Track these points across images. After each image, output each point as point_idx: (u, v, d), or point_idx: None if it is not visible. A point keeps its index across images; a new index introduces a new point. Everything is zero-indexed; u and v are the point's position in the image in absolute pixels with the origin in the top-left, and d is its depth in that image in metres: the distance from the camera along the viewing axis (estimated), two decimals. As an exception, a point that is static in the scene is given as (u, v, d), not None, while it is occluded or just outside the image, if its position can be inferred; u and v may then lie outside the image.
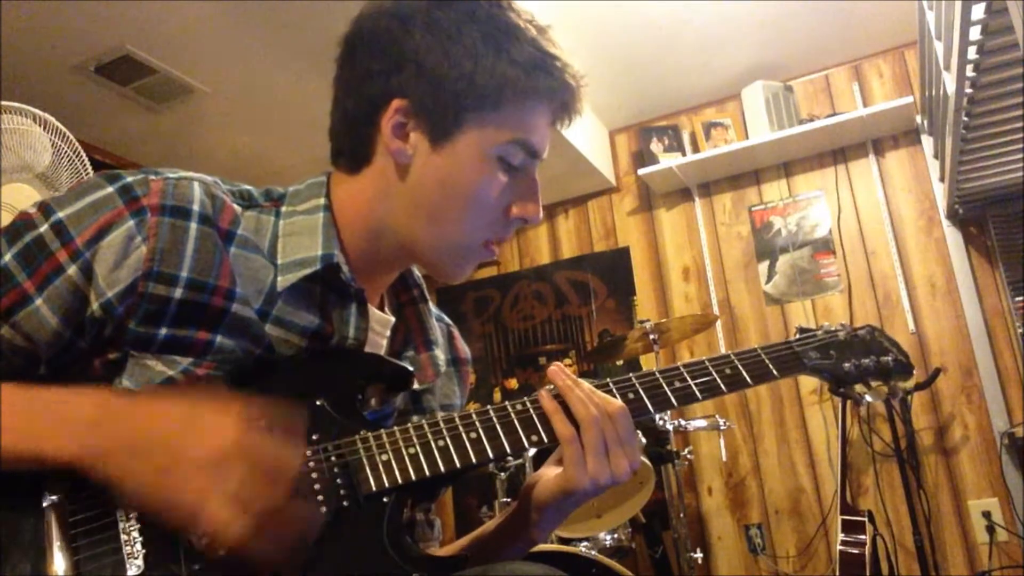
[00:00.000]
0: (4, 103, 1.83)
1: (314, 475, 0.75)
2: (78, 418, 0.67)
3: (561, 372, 0.84)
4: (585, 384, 0.84)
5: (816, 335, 0.98)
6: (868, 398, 0.97)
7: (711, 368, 0.90)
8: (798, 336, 0.98)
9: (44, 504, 0.67)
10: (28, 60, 2.43)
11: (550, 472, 0.87)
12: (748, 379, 0.90)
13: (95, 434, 0.66)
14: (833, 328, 0.99)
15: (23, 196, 1.85)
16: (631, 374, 0.88)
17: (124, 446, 0.66)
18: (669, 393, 0.87)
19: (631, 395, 0.86)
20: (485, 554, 0.94)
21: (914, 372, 0.99)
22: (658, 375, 0.88)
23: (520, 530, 0.91)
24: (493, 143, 0.81)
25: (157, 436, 0.66)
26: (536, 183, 0.86)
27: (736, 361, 0.91)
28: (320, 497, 0.74)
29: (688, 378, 0.89)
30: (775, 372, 0.92)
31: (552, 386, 0.84)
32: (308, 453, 0.76)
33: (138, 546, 0.67)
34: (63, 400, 0.69)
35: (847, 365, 0.96)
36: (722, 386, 0.89)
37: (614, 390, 0.86)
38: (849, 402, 2.91)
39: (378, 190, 0.84)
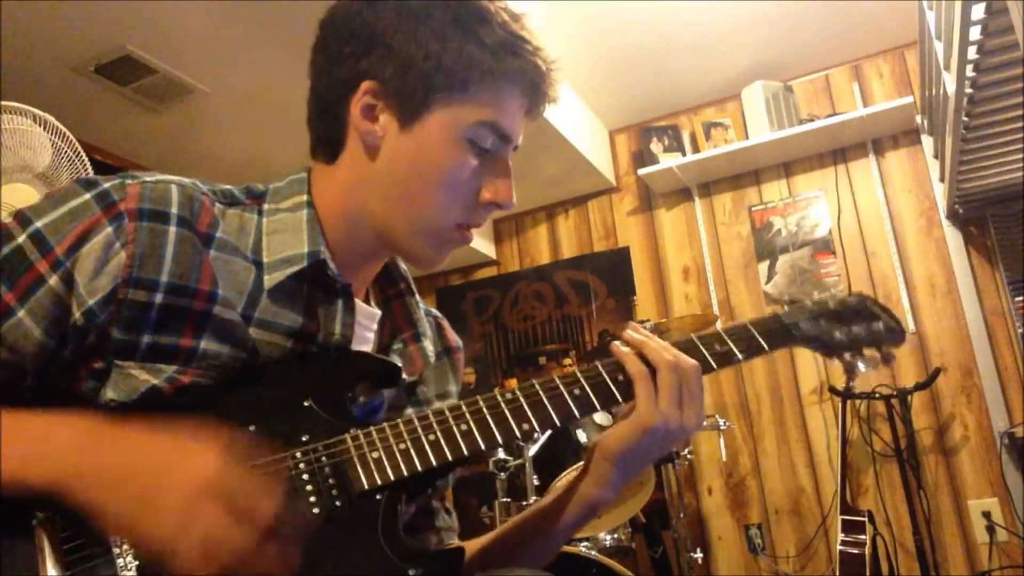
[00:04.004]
0: (4, 103, 1.83)
1: (306, 476, 0.74)
2: (60, 444, 0.66)
3: (637, 329, 0.86)
4: (659, 340, 0.86)
5: (805, 305, 0.97)
6: (861, 366, 0.96)
7: (700, 345, 0.89)
8: (787, 308, 0.97)
9: (34, 521, 0.66)
10: (28, 60, 2.43)
11: (619, 423, 0.86)
12: (738, 354, 0.89)
13: (76, 460, 0.65)
14: (822, 297, 0.99)
15: (23, 196, 1.84)
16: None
17: (103, 474, 0.65)
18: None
19: (620, 377, 0.85)
20: (546, 527, 0.92)
21: (906, 337, 0.98)
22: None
23: (587, 491, 0.89)
24: (462, 124, 0.81)
25: (137, 467, 0.65)
26: (508, 168, 0.86)
27: (725, 336, 0.90)
28: (313, 498, 0.74)
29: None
30: (765, 346, 0.91)
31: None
32: (299, 455, 0.75)
33: (130, 557, 0.67)
34: (47, 425, 0.68)
35: (838, 334, 0.95)
36: (712, 363, 0.88)
37: (603, 371, 0.85)
38: (849, 402, 2.91)
39: (352, 176, 0.85)
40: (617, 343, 0.86)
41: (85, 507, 0.64)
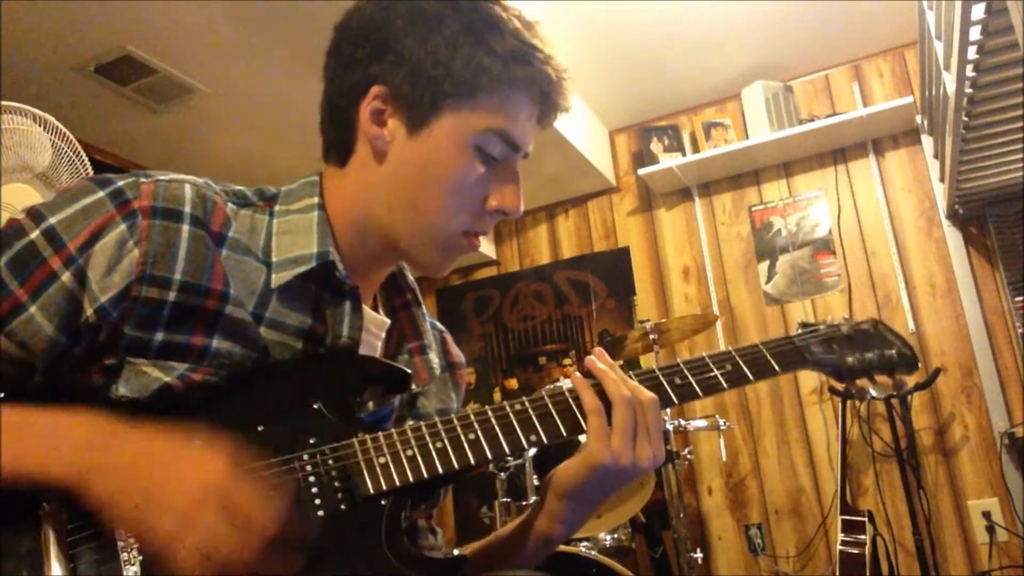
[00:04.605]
0: (4, 103, 1.83)
1: (311, 479, 0.74)
2: (70, 440, 0.67)
3: (600, 358, 0.86)
4: (619, 371, 0.85)
5: (818, 329, 0.96)
6: (872, 393, 0.95)
7: (712, 365, 0.89)
8: (800, 330, 0.96)
9: (40, 513, 0.66)
10: (28, 60, 2.43)
11: (572, 459, 0.87)
12: (749, 375, 0.89)
13: (84, 456, 0.66)
14: (836, 322, 0.98)
15: (23, 196, 1.85)
16: (630, 371, 0.87)
17: (113, 471, 0.66)
18: (669, 391, 0.87)
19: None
20: (504, 557, 0.93)
21: (919, 365, 0.97)
22: (658, 373, 0.88)
23: (540, 526, 0.90)
24: (470, 131, 0.81)
25: (145, 466, 0.66)
26: (517, 176, 0.86)
27: (737, 357, 0.90)
28: (318, 501, 0.74)
29: (688, 375, 0.88)
30: (776, 368, 0.91)
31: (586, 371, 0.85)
32: (306, 457, 0.75)
33: (135, 552, 0.67)
34: (56, 422, 0.68)
35: (850, 359, 0.94)
36: (723, 383, 0.88)
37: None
38: (849, 402, 2.91)
39: (361, 180, 0.85)
40: (578, 373, 0.86)
41: (95, 503, 0.65)
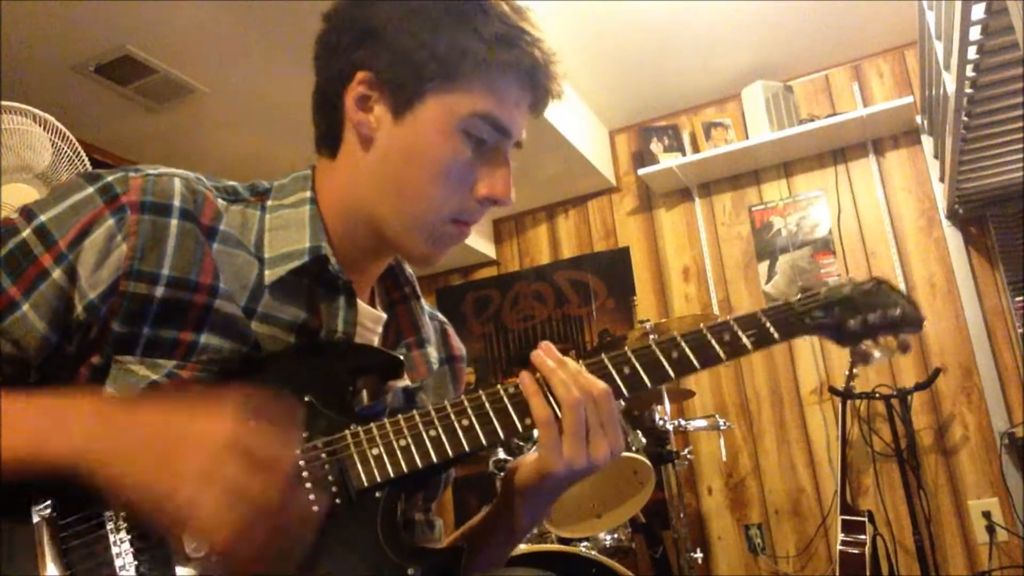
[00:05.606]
0: (4, 103, 1.83)
1: (305, 472, 0.74)
2: (76, 422, 0.66)
3: (547, 353, 0.81)
4: (571, 365, 0.81)
5: (819, 293, 0.92)
6: (877, 354, 0.91)
7: (709, 336, 0.85)
8: (800, 296, 0.92)
9: (35, 518, 0.66)
10: (28, 60, 2.43)
11: (531, 456, 0.85)
12: (748, 346, 0.85)
13: (94, 437, 0.65)
14: (837, 284, 0.94)
15: (23, 196, 1.85)
16: (626, 348, 0.84)
17: (119, 446, 0.65)
18: (666, 364, 0.83)
19: (626, 369, 0.82)
20: (474, 548, 0.92)
21: (924, 322, 0.92)
22: (654, 346, 0.84)
23: (505, 519, 0.89)
24: (456, 116, 0.79)
25: (152, 435, 0.65)
26: (507, 162, 0.84)
27: (736, 327, 0.86)
28: (312, 496, 0.73)
29: (685, 347, 0.84)
30: (776, 336, 0.87)
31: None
32: (298, 451, 0.74)
33: (130, 557, 0.67)
34: (61, 405, 0.68)
35: (852, 322, 0.90)
36: (721, 354, 0.84)
37: (608, 364, 0.82)
38: (849, 402, 2.90)
39: (350, 169, 0.84)
40: (526, 373, 0.81)
41: (103, 481, 0.64)
